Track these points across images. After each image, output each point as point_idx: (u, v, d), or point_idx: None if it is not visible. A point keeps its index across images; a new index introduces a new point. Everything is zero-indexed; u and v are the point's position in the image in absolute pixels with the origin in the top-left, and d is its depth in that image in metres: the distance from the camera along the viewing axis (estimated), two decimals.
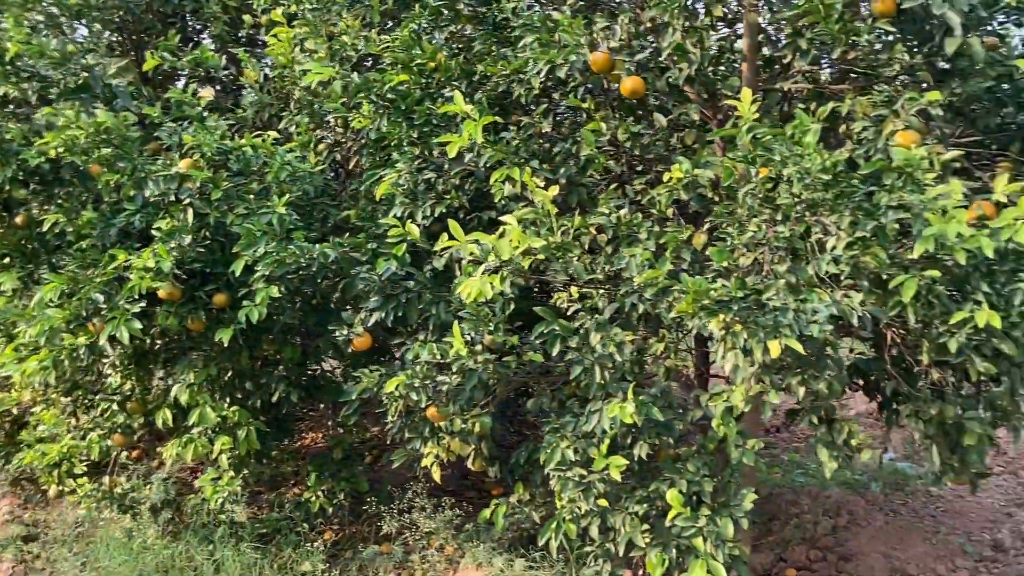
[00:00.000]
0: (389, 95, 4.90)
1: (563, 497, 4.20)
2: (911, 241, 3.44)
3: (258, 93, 6.04)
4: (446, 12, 5.19)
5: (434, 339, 4.61)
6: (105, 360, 5.52)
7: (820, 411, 3.95)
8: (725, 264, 3.82)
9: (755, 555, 5.42)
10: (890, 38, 4.08)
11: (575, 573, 4.75)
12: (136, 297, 4.76)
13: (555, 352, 4.19)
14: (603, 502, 4.15)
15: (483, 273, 3.86)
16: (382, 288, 4.71)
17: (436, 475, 4.78)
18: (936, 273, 3.42)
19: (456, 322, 4.28)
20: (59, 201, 5.37)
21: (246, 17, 6.43)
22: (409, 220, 4.68)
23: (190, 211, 4.89)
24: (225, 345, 4.92)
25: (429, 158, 4.93)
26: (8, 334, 5.48)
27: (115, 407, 5.92)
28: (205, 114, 5.29)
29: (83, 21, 6.43)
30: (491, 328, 4.34)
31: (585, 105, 4.79)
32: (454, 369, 4.34)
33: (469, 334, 4.36)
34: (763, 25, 4.66)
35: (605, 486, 4.12)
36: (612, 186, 4.71)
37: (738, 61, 4.69)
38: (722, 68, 4.87)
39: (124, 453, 6.36)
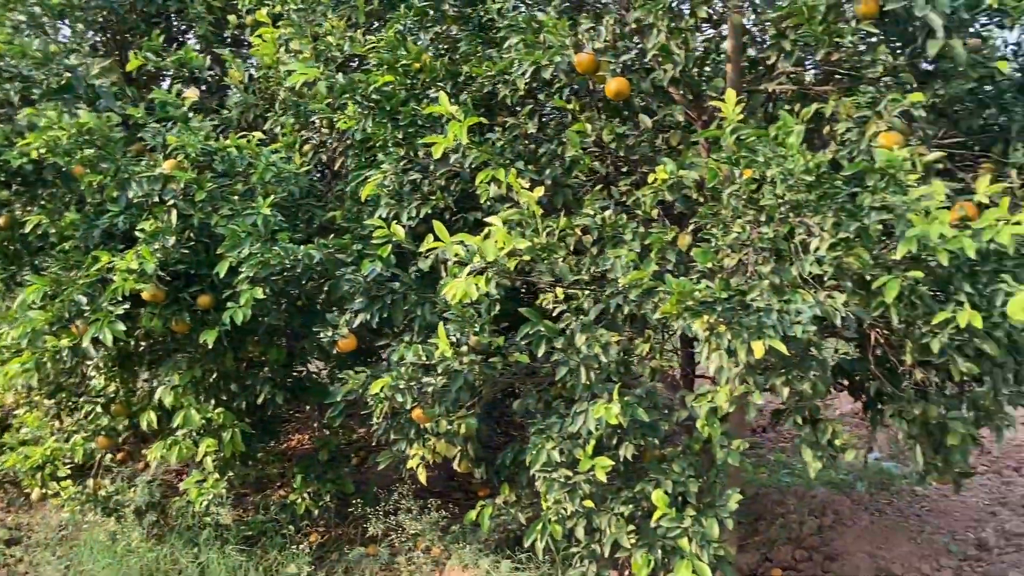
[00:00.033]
0: (374, 96, 4.89)
1: (549, 498, 4.21)
2: (894, 242, 3.46)
3: (243, 94, 6.02)
4: (431, 13, 5.18)
5: (419, 340, 4.60)
6: (89, 362, 5.50)
7: (804, 411, 3.96)
8: (709, 265, 3.83)
9: (741, 555, 5.44)
10: (873, 40, 4.10)
11: (561, 574, 4.75)
12: (120, 299, 4.73)
13: (541, 353, 4.19)
14: (589, 503, 4.16)
15: (468, 274, 3.86)
16: (367, 289, 4.70)
17: (422, 477, 4.78)
18: (919, 274, 3.44)
19: (441, 323, 4.28)
20: (42, 202, 5.31)
21: (231, 17, 6.40)
22: (394, 221, 4.68)
23: (174, 212, 4.86)
24: (210, 347, 4.89)
25: (414, 159, 4.92)
26: None
27: (99, 409, 5.88)
28: (189, 115, 5.26)
29: (66, 21, 6.37)
30: (476, 329, 4.34)
31: (570, 106, 4.79)
32: (440, 370, 4.34)
33: (455, 335, 4.36)
34: (748, 26, 4.68)
35: (591, 487, 4.13)
36: (597, 187, 4.72)
37: (723, 62, 4.69)
38: (707, 69, 4.88)
39: (108, 456, 6.32)
